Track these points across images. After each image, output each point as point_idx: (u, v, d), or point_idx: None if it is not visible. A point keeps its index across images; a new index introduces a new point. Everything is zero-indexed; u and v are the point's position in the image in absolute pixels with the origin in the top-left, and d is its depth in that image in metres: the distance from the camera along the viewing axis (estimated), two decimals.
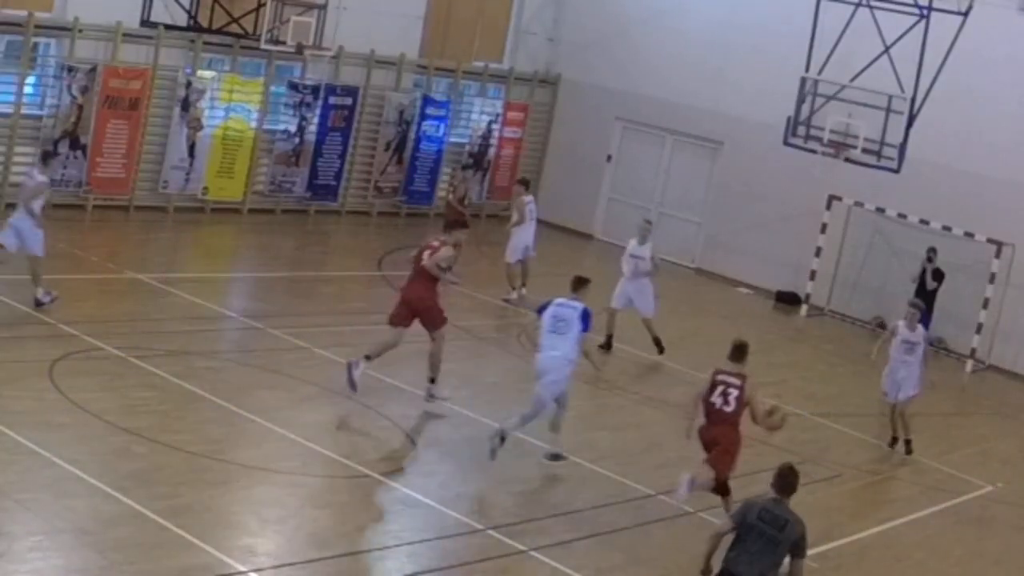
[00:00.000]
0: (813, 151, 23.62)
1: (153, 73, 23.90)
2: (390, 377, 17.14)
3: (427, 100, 27.98)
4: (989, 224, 24.33)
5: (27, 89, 22.93)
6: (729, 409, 13.48)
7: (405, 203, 28.19)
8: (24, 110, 22.77)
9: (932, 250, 24.08)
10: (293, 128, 26.07)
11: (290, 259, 24.17)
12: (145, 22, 23.85)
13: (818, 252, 26.22)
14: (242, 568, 11.37)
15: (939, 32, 22.13)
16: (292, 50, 24.86)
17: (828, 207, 26.00)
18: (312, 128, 26.27)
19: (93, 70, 23.05)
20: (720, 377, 13.60)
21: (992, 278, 24.31)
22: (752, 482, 16.09)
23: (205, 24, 24.53)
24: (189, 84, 24.38)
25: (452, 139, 28.77)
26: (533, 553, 12.82)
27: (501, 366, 18.98)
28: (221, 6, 24.66)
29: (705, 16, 28.33)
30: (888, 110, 22.56)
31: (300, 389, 16.27)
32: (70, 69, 22.82)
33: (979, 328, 24.43)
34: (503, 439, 14.67)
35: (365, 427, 15.60)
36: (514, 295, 22.69)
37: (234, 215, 25.47)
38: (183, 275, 19.83)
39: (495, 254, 25.21)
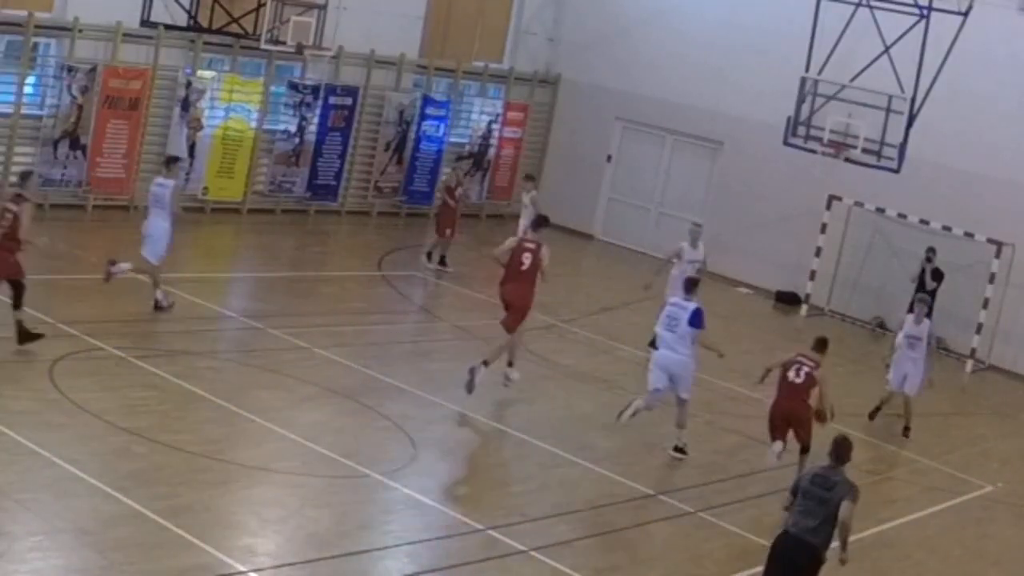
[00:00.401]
0: (813, 151, 23.62)
1: (153, 73, 23.91)
2: (390, 377, 17.16)
3: (427, 100, 27.99)
4: (989, 224, 24.33)
5: (27, 89, 22.95)
6: (799, 381, 15.40)
7: (405, 203, 28.20)
8: (24, 110, 22.78)
9: (931, 250, 24.08)
10: (293, 128, 26.08)
11: (290, 259, 24.18)
12: (145, 22, 23.86)
13: (818, 252, 26.22)
14: (242, 568, 11.37)
15: (939, 32, 22.14)
16: (292, 50, 24.86)
17: (828, 207, 26.01)
18: (312, 128, 26.27)
19: (93, 70, 23.06)
20: (800, 358, 15.61)
21: (992, 278, 24.31)
22: (752, 482, 16.15)
23: (205, 24, 24.53)
24: (189, 84, 24.39)
25: (452, 139, 28.78)
26: (533, 553, 12.81)
27: (501, 366, 18.96)
28: (221, 6, 24.66)
29: (705, 16, 28.33)
30: (888, 110, 22.57)
31: (300, 389, 16.27)
32: (70, 69, 22.82)
33: (979, 328, 24.44)
34: (634, 414, 15.96)
35: (365, 427, 15.60)
36: None
37: (234, 215, 25.47)
38: (183, 275, 19.80)
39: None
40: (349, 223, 27.15)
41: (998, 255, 24.21)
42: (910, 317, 19.27)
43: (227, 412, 14.94)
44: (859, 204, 25.81)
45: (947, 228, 24.75)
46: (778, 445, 15.43)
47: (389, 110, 27.52)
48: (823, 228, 26.15)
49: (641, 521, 14.25)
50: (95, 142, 23.36)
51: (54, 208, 23.06)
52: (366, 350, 18.24)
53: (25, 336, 15.51)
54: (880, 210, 25.59)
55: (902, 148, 22.47)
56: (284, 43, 24.66)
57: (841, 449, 11.47)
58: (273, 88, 25.85)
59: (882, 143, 22.59)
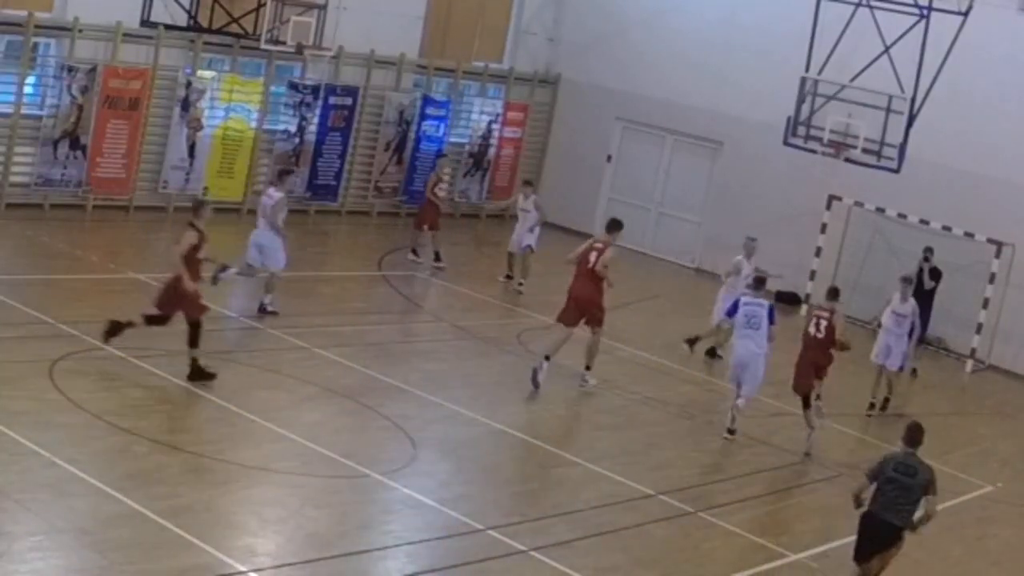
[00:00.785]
0: (813, 151, 23.62)
1: (153, 73, 23.90)
2: (390, 377, 17.16)
3: (427, 100, 27.98)
4: (989, 224, 24.32)
5: (27, 89, 22.93)
6: (821, 336, 17.40)
7: (405, 203, 28.15)
8: (24, 110, 22.77)
9: (929, 250, 24.06)
10: (293, 128, 26.07)
11: (290, 259, 24.11)
12: (145, 22, 23.85)
13: (818, 252, 26.21)
14: (242, 568, 11.37)
15: (939, 32, 22.13)
16: (292, 50, 24.85)
17: (828, 207, 26.00)
18: (312, 128, 26.26)
19: (93, 70, 23.06)
20: (815, 312, 17.70)
21: (992, 278, 24.30)
22: (752, 482, 16.15)
23: (205, 24, 24.52)
24: (189, 84, 24.38)
25: (452, 139, 28.77)
26: (533, 553, 12.81)
27: (501, 366, 18.98)
28: (221, 6, 24.66)
29: (705, 16, 28.32)
30: (888, 110, 22.57)
31: (300, 389, 16.27)
32: (70, 69, 22.82)
33: (979, 328, 24.42)
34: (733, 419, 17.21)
35: (365, 427, 15.60)
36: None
37: (234, 215, 25.44)
38: None
39: (496, 254, 25.25)
40: (349, 223, 27.14)
41: (998, 255, 24.19)
42: (896, 296, 20.33)
43: (227, 412, 14.94)
44: (859, 204, 25.80)
45: (947, 228, 24.74)
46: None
47: (389, 110, 27.51)
48: (823, 228, 26.14)
49: (641, 521, 14.23)
50: (95, 142, 23.35)
51: (54, 208, 23.07)
52: (366, 350, 18.24)
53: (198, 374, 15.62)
54: (880, 210, 25.58)
55: (902, 148, 22.47)
56: (284, 43, 24.65)
57: (915, 434, 12.51)
58: (273, 88, 25.84)
59: (882, 143, 22.59)
